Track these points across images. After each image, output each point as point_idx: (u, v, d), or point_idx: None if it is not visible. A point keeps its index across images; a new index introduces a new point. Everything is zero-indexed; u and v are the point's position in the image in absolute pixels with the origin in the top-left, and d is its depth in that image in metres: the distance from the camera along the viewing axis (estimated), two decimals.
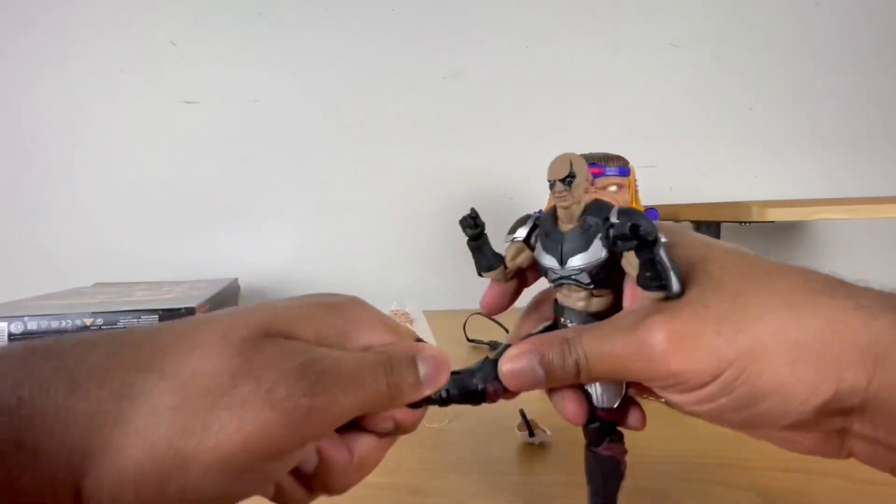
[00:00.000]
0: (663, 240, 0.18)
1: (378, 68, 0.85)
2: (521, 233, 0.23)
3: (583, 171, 0.20)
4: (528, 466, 0.31)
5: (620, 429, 0.23)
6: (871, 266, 0.89)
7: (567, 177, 0.20)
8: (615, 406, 0.22)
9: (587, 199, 0.21)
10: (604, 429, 0.22)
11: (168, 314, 0.52)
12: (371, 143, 0.86)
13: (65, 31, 0.81)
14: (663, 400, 0.20)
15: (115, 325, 0.51)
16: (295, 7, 0.83)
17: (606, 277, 0.21)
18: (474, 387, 0.21)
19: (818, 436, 0.19)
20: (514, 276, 0.24)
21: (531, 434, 0.33)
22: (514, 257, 0.23)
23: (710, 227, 0.69)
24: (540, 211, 0.24)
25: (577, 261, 0.20)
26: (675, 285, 0.18)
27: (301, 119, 0.85)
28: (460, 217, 0.23)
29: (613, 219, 0.19)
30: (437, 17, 0.85)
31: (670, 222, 0.22)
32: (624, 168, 0.53)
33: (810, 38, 0.87)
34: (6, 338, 0.48)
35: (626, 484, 0.28)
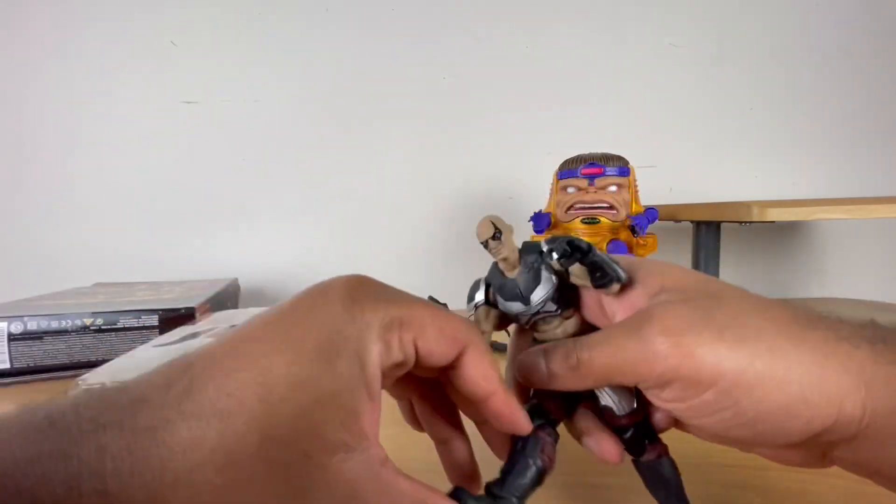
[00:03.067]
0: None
1: (378, 68, 0.85)
2: (480, 297, 0.25)
3: (506, 226, 0.22)
4: None
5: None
6: (871, 266, 0.89)
7: (494, 234, 0.22)
8: (636, 406, 0.22)
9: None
10: (638, 433, 0.23)
11: (168, 314, 0.52)
12: (371, 143, 0.86)
13: (65, 31, 0.81)
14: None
15: (115, 324, 0.51)
16: (295, 7, 0.83)
17: (566, 298, 0.23)
18: (536, 469, 0.21)
19: (805, 453, 0.20)
20: (499, 328, 0.25)
21: None
22: (486, 319, 0.25)
23: (710, 227, 0.69)
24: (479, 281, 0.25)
25: (537, 295, 0.22)
26: (622, 273, 0.20)
27: (301, 119, 0.85)
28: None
29: (545, 249, 0.23)
30: (436, 17, 0.85)
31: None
32: (624, 168, 0.53)
33: (810, 37, 0.87)
34: (6, 338, 0.48)
35: (627, 484, 0.28)
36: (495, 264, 0.24)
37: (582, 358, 0.20)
